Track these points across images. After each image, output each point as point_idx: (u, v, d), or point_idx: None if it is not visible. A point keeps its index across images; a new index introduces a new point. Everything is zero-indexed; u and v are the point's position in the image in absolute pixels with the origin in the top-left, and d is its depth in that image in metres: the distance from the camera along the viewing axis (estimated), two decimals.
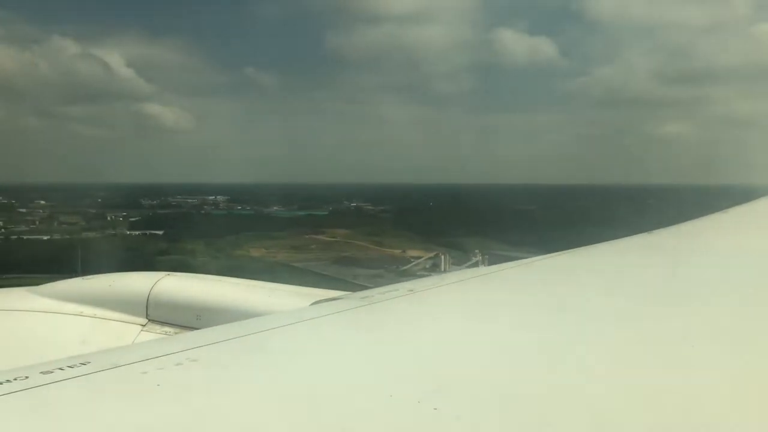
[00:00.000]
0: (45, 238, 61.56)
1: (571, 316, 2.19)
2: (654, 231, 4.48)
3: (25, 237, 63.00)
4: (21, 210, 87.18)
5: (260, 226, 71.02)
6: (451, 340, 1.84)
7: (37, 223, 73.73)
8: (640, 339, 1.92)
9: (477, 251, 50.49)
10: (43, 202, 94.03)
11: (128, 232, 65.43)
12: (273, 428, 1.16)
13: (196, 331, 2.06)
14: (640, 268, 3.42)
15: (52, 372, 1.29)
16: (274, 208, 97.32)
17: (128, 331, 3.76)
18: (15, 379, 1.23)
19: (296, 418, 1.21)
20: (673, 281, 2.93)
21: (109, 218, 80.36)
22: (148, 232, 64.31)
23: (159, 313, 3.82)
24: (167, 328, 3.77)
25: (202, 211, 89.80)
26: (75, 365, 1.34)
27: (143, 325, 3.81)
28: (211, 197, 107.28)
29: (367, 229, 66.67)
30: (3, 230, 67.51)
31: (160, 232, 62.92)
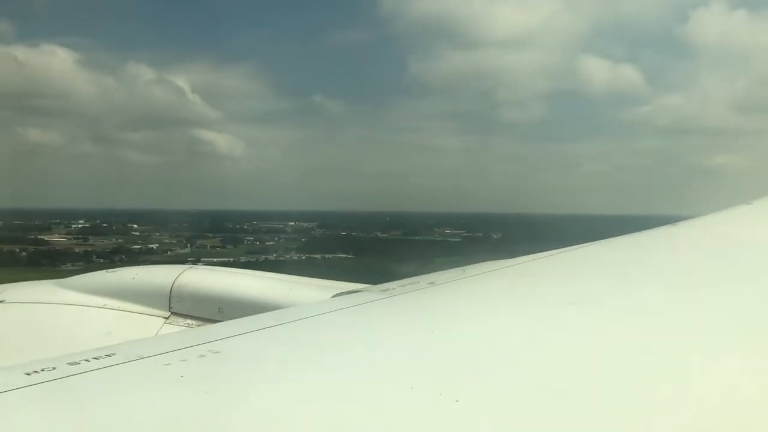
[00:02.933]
0: (229, 260, 59.17)
1: (595, 307, 2.16)
2: (678, 223, 4.42)
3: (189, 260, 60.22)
4: (135, 233, 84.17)
5: (407, 250, 69.80)
6: (472, 333, 1.84)
7: (188, 246, 70.88)
8: (670, 331, 1.89)
9: None
10: (135, 225, 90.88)
11: (306, 256, 63.37)
12: (295, 420, 1.17)
13: (218, 324, 2.08)
14: (668, 260, 3.36)
15: (78, 363, 1.31)
16: (377, 233, 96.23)
17: (151, 323, 3.80)
18: (43, 370, 1.26)
19: (318, 410, 1.22)
20: (700, 272, 2.89)
21: (245, 241, 78.21)
22: (328, 255, 62.57)
23: (181, 306, 3.85)
24: (190, 321, 3.80)
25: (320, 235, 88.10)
26: (101, 357, 1.36)
27: (166, 318, 3.85)
28: (291, 222, 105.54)
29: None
30: (169, 253, 64.60)
31: (350, 255, 61.35)
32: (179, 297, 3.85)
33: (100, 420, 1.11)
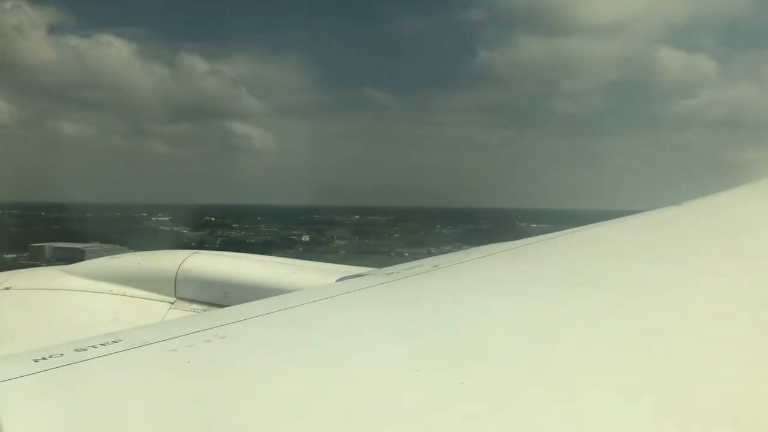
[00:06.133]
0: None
1: (600, 288, 2.16)
2: (682, 203, 4.53)
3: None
4: (234, 225, 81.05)
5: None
6: (477, 316, 1.83)
7: (337, 239, 68.57)
8: (676, 310, 1.91)
9: None
10: (212, 218, 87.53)
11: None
12: (301, 404, 1.17)
13: (223, 309, 2.10)
14: (672, 240, 3.40)
15: (86, 350, 1.31)
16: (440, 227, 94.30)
17: (157, 308, 3.82)
18: (51, 356, 1.26)
19: (324, 393, 1.22)
20: (702, 251, 2.94)
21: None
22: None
23: (187, 291, 3.88)
24: (195, 306, 3.82)
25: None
26: (107, 343, 1.36)
27: (172, 303, 3.86)
28: (356, 216, 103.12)
29: None
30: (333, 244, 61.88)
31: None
32: (184, 282, 3.85)
33: (108, 406, 1.11)
